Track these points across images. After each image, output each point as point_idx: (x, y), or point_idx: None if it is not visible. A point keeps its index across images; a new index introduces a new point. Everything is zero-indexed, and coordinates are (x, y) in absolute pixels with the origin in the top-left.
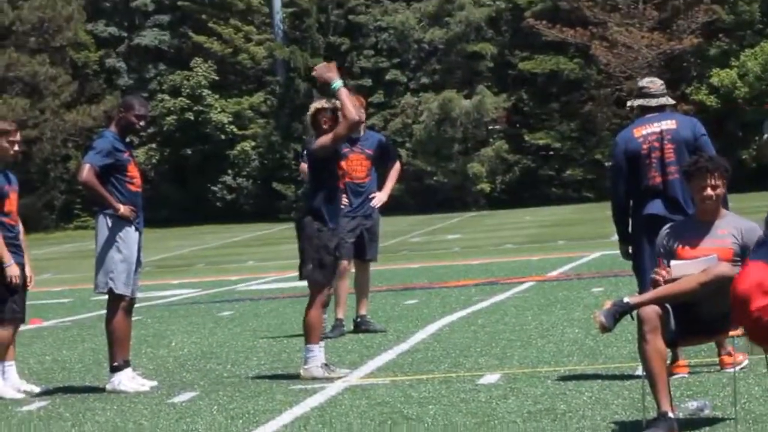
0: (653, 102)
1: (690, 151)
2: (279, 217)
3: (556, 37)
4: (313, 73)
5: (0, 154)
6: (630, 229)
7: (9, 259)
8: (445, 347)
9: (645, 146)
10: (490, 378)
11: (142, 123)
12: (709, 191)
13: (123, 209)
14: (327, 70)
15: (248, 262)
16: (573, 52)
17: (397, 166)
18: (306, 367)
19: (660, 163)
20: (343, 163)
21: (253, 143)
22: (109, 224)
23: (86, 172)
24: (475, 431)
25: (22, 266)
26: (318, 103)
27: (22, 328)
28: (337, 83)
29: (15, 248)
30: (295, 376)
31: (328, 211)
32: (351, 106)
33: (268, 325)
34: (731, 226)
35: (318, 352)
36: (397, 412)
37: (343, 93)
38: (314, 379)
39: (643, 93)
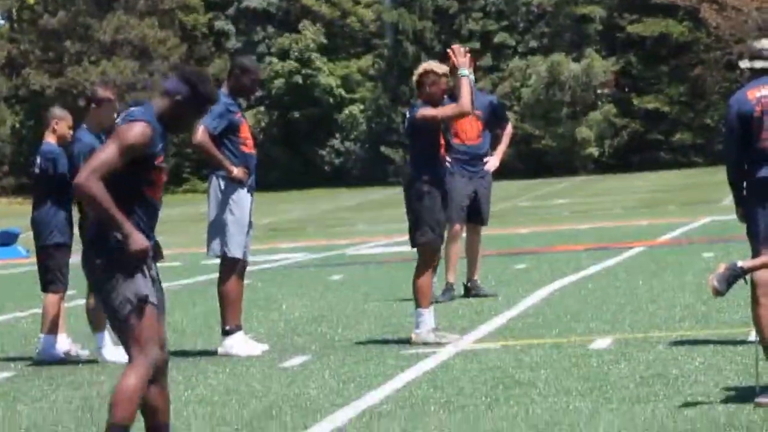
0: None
1: None
2: (387, 181)
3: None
4: (449, 50)
5: (106, 121)
6: (745, 192)
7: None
8: (556, 312)
9: (758, 108)
10: (602, 343)
11: (257, 87)
12: None
13: (236, 171)
14: (461, 55)
15: (357, 226)
16: (682, 15)
17: (509, 128)
18: (417, 331)
19: None
20: (455, 125)
21: (361, 107)
22: (222, 186)
23: (200, 133)
24: (587, 396)
25: None
26: (428, 65)
27: None
28: (465, 71)
29: None
30: (406, 341)
31: (432, 176)
32: (468, 96)
33: (378, 289)
34: None
35: (428, 317)
36: (509, 377)
37: (465, 82)
38: (425, 343)
39: (756, 54)
